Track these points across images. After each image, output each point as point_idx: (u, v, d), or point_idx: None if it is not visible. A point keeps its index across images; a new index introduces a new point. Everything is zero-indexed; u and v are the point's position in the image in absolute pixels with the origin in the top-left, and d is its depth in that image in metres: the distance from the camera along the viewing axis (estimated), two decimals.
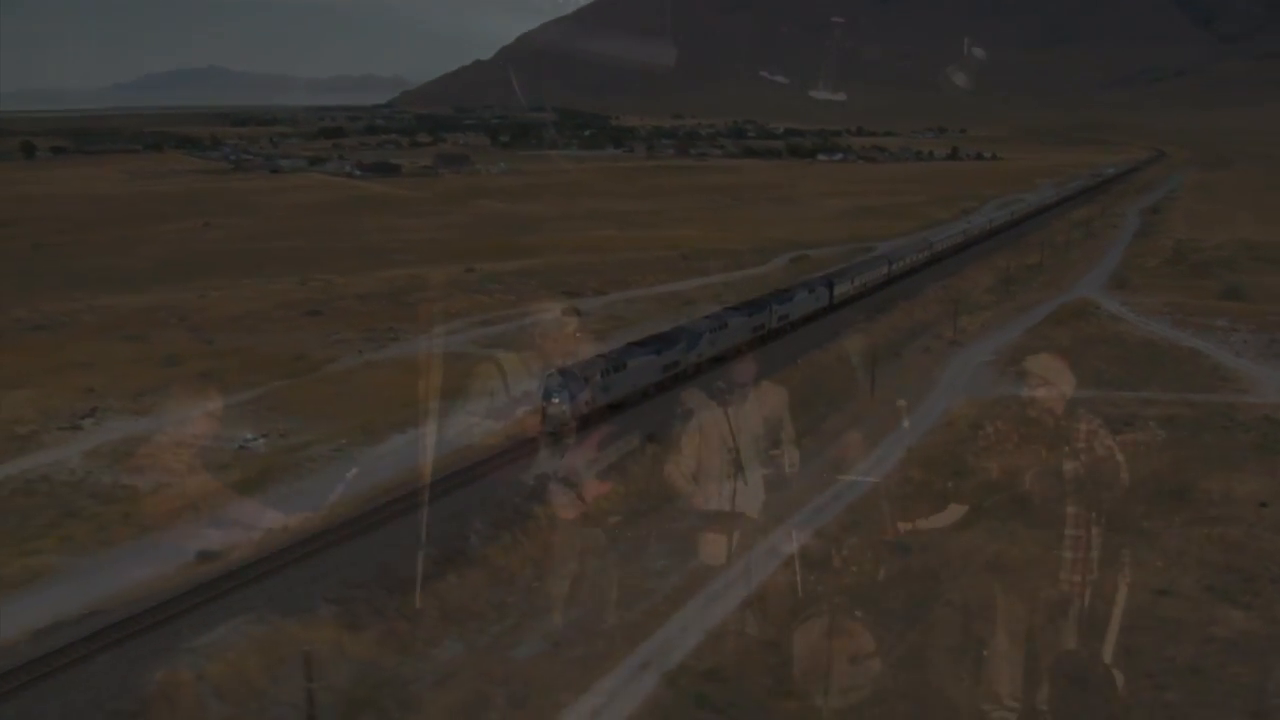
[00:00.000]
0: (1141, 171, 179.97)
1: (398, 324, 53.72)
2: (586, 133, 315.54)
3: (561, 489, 27.96)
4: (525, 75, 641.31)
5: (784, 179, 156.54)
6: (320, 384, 44.59)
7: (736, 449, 28.77)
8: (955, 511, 28.90)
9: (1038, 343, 48.44)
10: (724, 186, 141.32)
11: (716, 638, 21.09)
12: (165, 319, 54.85)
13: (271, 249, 79.98)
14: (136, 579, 23.83)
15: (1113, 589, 25.08)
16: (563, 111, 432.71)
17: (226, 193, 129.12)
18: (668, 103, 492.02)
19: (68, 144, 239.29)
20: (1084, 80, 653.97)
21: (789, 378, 38.45)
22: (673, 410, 34.64)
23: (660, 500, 29.30)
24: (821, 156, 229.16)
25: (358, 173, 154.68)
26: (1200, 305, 55.37)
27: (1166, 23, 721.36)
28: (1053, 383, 42.92)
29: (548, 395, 32.31)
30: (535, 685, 19.05)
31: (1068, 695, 20.63)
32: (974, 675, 20.79)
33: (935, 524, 28.26)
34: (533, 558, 24.27)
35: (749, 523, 27.01)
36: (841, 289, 52.21)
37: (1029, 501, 31.09)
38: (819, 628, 21.68)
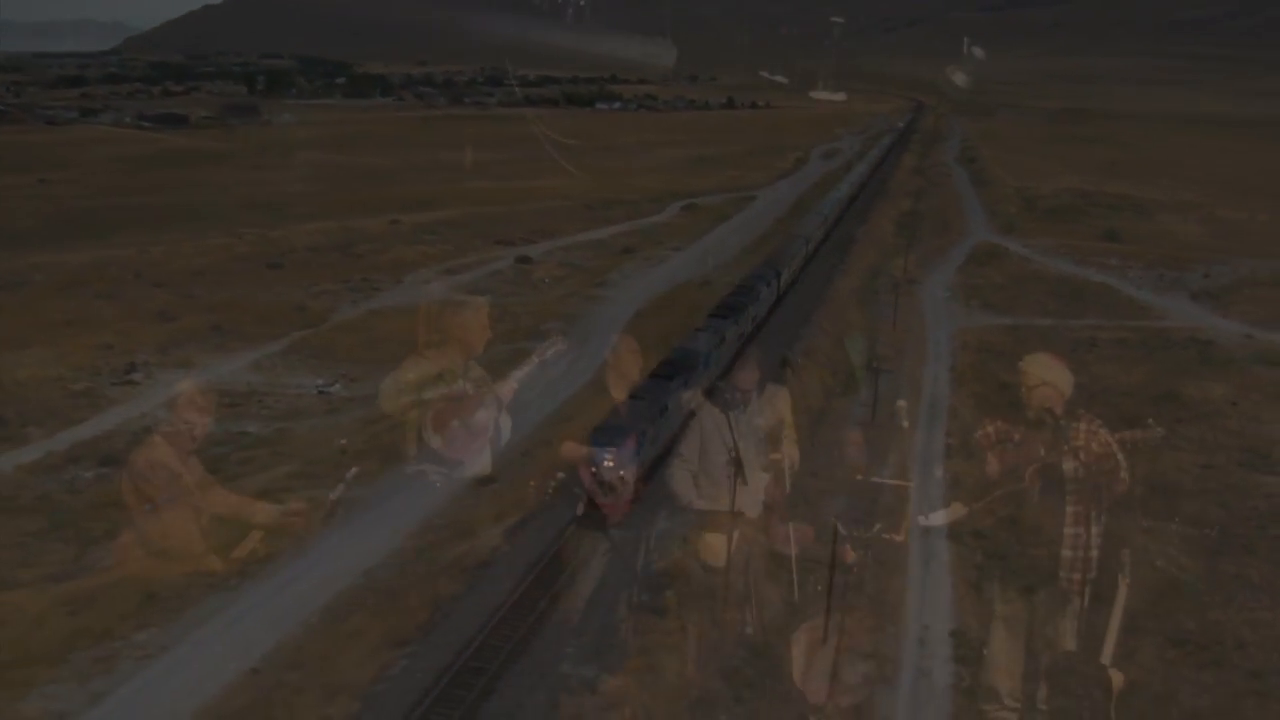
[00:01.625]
0: (920, 120, 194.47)
1: (368, 275, 56.69)
2: (340, 80, 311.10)
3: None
4: (259, 21, 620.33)
5: (590, 128, 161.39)
6: (340, 333, 47.52)
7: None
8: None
9: (977, 280, 56.43)
10: (538, 136, 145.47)
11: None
12: (121, 275, 55.61)
13: (145, 204, 79.48)
14: (454, 501, 27.38)
15: (1173, 466, 32.94)
16: (304, 59, 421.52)
17: (20, 146, 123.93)
18: (412, 50, 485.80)
19: None
20: (823, 29, 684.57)
21: (830, 314, 44.88)
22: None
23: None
24: (600, 105, 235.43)
25: (146, 124, 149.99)
26: (1088, 246, 64.69)
27: None
28: (1017, 313, 51.18)
29: (597, 458, 24.10)
30: None
31: (1202, 538, 27.91)
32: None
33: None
34: None
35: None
36: (784, 278, 48.87)
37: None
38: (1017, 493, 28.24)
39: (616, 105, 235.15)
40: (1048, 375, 10.79)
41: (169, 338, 45.99)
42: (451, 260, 60.73)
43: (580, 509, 23.73)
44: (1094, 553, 10.77)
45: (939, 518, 13.11)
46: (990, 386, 39.66)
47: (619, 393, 12.79)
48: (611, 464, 23.63)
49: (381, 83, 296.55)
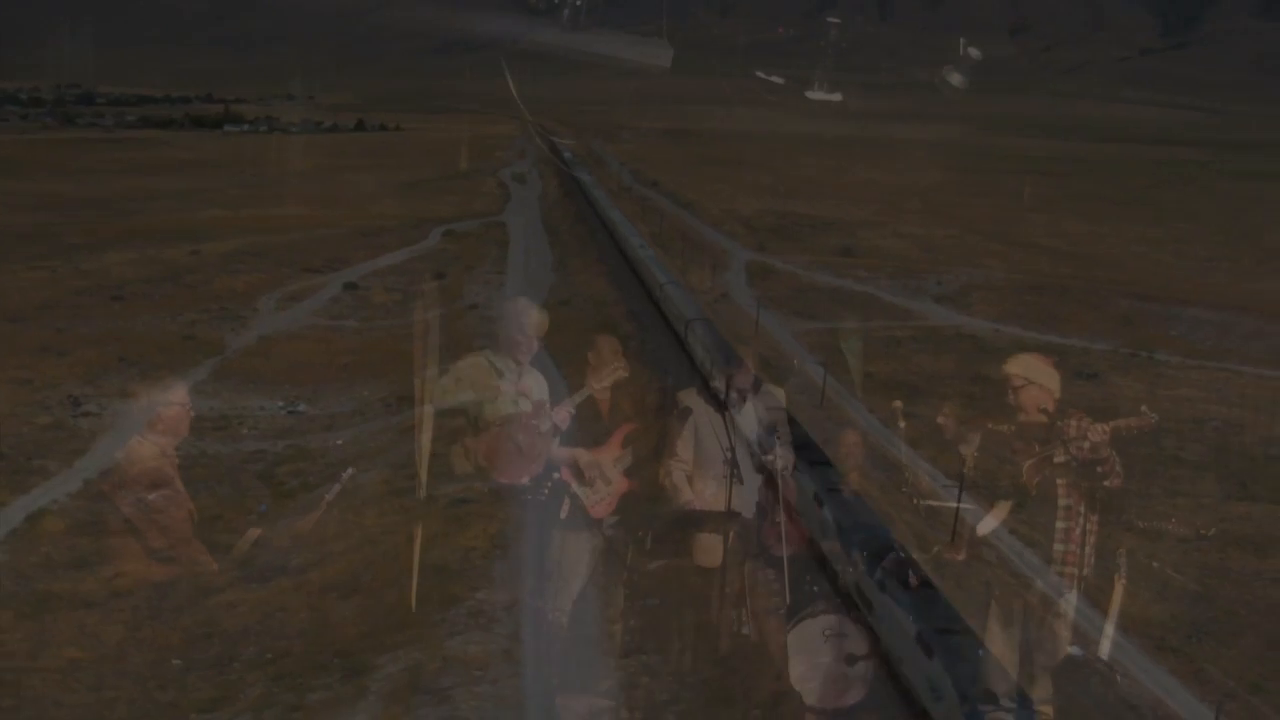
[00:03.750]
0: (568, 143, 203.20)
1: (223, 304, 59.23)
2: None
3: None
4: None
5: (260, 152, 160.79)
6: (252, 359, 50.62)
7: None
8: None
9: (769, 292, 66.24)
10: (213, 161, 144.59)
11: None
12: None
13: None
14: None
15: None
16: None
17: None
18: None
19: None
20: (408, 48, 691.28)
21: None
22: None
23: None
24: (229, 127, 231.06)
25: None
26: (835, 261, 76.32)
27: None
28: (823, 318, 61.45)
29: None
30: None
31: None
32: None
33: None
34: None
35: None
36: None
37: (917, 387, 49.01)
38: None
39: (245, 127, 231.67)
40: (1034, 375, 10.88)
41: (81, 371, 47.75)
42: (279, 288, 64.10)
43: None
44: (1088, 548, 10.72)
45: (990, 524, 12.47)
46: (857, 375, 49.70)
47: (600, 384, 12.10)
48: None
49: None
